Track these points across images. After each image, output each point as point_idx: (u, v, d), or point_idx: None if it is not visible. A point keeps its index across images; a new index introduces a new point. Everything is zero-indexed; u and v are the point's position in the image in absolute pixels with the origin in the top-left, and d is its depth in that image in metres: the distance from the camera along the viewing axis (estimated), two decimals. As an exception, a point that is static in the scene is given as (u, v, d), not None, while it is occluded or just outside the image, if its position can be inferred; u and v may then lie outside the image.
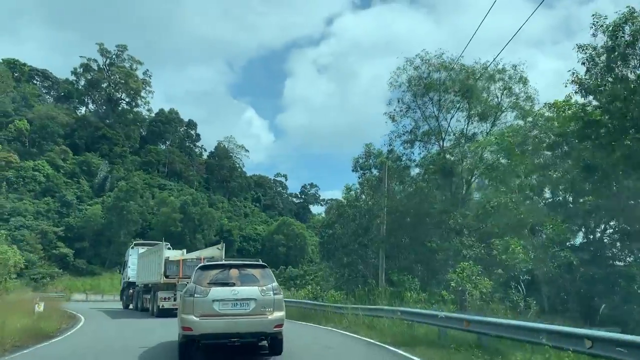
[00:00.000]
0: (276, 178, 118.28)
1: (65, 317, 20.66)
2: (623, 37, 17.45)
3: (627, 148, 17.51)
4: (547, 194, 26.90)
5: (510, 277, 20.15)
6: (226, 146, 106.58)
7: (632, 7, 17.44)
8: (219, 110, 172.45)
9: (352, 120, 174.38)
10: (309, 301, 23.78)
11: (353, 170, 34.66)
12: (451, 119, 25.37)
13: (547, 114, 25.19)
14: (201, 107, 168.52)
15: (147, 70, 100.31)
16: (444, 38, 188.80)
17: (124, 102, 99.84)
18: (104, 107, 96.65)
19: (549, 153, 25.21)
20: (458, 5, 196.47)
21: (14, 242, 61.02)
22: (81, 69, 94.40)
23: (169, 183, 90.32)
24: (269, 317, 9.16)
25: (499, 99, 24.94)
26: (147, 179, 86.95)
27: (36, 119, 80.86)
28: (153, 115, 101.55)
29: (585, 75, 17.64)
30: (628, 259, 21.44)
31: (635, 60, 17.47)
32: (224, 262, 12.51)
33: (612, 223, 22.75)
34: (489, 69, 23.88)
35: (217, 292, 9.18)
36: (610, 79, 17.95)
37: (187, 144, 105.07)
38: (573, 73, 17.83)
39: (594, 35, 17.99)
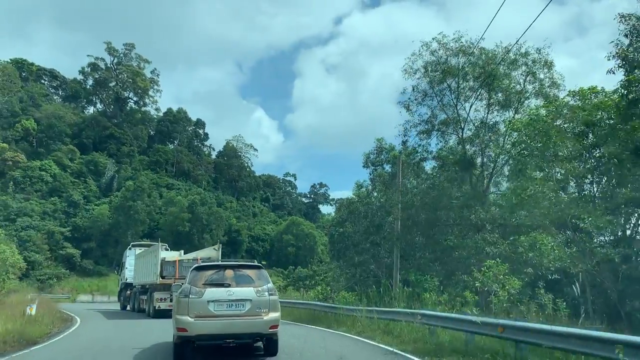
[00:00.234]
0: (285, 178, 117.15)
1: (58, 320, 19.50)
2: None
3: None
4: (572, 188, 25.15)
5: (538, 277, 18.42)
6: (235, 145, 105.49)
7: None
8: (228, 111, 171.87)
9: (362, 119, 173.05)
10: (319, 303, 22.31)
11: (364, 166, 33.32)
12: (470, 107, 23.68)
13: (571, 102, 23.46)
14: (210, 108, 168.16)
15: (155, 69, 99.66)
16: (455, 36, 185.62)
17: (132, 101, 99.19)
18: (112, 107, 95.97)
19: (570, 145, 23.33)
20: (469, 2, 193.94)
21: (20, 242, 60.58)
22: (89, 68, 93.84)
23: (177, 183, 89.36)
24: (265, 318, 9.13)
25: (522, 86, 23.20)
26: (155, 178, 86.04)
27: (43, 118, 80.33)
28: (161, 114, 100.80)
29: (628, 49, 15.73)
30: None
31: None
32: (219, 262, 12.11)
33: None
34: (511, 52, 22.15)
35: (212, 292, 9.11)
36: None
37: (196, 143, 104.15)
38: (617, 44, 15.94)
39: None
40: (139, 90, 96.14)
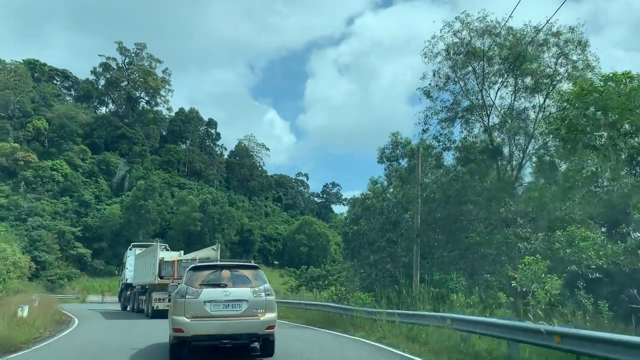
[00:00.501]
0: (297, 177, 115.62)
1: (53, 322, 18.15)
2: None
3: None
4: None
5: (578, 275, 16.49)
6: (246, 145, 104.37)
7: None
8: (240, 112, 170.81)
9: (374, 119, 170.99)
10: (334, 304, 20.71)
11: (379, 162, 31.78)
12: (497, 92, 21.80)
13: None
14: (222, 109, 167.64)
15: (167, 68, 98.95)
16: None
17: (144, 100, 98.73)
18: (124, 107, 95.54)
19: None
20: (483, 0, 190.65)
21: (31, 242, 60.06)
22: (100, 68, 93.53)
23: (188, 182, 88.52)
24: (261, 318, 9.07)
25: (553, 68, 21.26)
26: (167, 178, 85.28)
27: (55, 118, 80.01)
28: (173, 114, 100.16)
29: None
30: None
31: None
32: (216, 263, 11.75)
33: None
34: (541, 33, 20.25)
35: (208, 293, 9.00)
36: None
37: (208, 143, 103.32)
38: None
39: None
40: (151, 90, 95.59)
